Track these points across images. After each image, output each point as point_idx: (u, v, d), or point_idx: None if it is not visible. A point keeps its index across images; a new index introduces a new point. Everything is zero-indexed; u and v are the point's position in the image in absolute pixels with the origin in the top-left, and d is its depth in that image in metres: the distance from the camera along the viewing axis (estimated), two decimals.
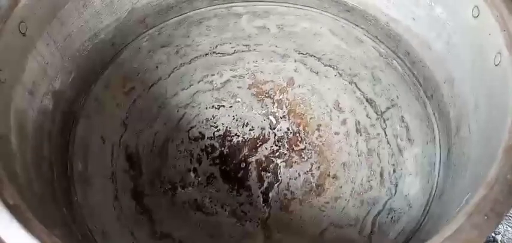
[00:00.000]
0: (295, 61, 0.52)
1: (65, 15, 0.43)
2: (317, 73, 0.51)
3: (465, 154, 0.34)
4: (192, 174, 0.47)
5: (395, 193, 0.43)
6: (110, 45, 0.50)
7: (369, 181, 0.45)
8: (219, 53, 0.53)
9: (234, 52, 0.54)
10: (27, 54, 0.39)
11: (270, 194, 0.46)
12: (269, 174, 0.47)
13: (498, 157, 0.25)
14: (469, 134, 0.35)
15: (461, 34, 0.37)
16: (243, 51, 0.54)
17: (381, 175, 0.45)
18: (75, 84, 0.47)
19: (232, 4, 0.54)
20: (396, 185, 0.43)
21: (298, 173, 0.46)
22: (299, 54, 0.53)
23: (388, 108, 0.47)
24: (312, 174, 0.46)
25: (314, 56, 0.52)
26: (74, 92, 0.46)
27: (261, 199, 0.46)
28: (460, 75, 0.38)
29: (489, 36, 0.33)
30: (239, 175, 0.47)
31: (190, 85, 0.52)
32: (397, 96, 0.47)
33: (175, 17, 0.54)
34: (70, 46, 0.45)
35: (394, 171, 0.44)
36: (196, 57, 0.53)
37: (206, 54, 0.53)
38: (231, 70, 0.53)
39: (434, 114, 0.43)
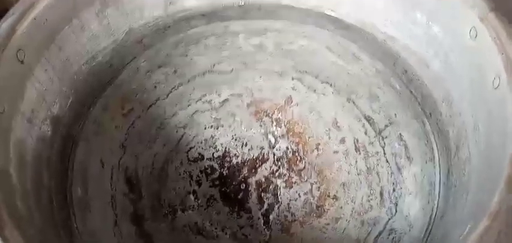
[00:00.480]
0: (292, 79, 0.52)
1: (62, 39, 0.43)
2: (315, 90, 0.51)
3: (465, 175, 0.35)
4: (191, 196, 0.47)
5: (395, 213, 0.43)
6: (108, 67, 0.50)
7: (369, 200, 0.45)
8: (217, 72, 0.53)
9: (231, 71, 0.54)
10: (26, 81, 0.39)
11: (271, 216, 0.46)
12: (269, 195, 0.47)
13: (500, 186, 0.25)
14: (469, 156, 0.35)
15: (458, 54, 0.38)
16: (240, 70, 0.54)
17: (381, 194, 0.45)
18: (74, 108, 0.46)
19: (230, 22, 0.54)
20: (396, 205, 0.43)
21: (299, 194, 0.46)
22: (297, 71, 0.53)
23: (387, 126, 0.47)
24: (312, 195, 0.46)
25: (311, 74, 0.52)
26: (72, 116, 0.46)
27: (262, 221, 0.46)
28: (459, 94, 0.38)
29: (487, 58, 0.33)
30: (239, 197, 0.47)
31: (188, 105, 0.52)
32: (395, 114, 0.47)
33: (172, 36, 0.53)
34: (68, 70, 0.45)
35: (393, 190, 0.44)
36: (195, 76, 0.53)
37: (204, 73, 0.53)
38: (229, 89, 0.53)
39: (433, 132, 0.43)
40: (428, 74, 0.44)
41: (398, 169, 0.45)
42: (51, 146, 0.43)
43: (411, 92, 0.46)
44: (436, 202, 0.39)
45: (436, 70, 0.42)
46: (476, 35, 0.35)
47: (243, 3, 0.53)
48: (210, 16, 0.53)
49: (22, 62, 0.38)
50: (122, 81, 0.51)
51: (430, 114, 0.44)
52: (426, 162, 0.42)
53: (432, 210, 0.39)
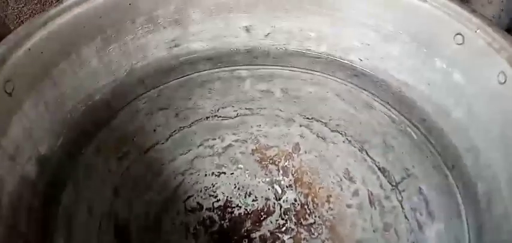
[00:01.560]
0: (300, 126, 0.49)
1: (58, 74, 0.41)
2: (324, 139, 0.48)
3: (504, 234, 0.30)
4: None
5: None
6: (106, 107, 0.47)
7: None
8: (221, 116, 0.51)
9: (236, 116, 0.51)
10: (12, 115, 0.35)
11: None
12: None
13: None
14: (506, 213, 0.31)
15: (485, 101, 0.35)
16: (245, 115, 0.51)
17: None
18: (64, 149, 0.43)
19: (236, 67, 0.52)
20: None
21: None
22: (304, 118, 0.50)
23: (404, 178, 0.43)
24: None
25: (320, 121, 0.49)
26: (62, 157, 0.42)
27: None
28: (486, 144, 0.35)
29: None
30: None
31: (189, 150, 0.49)
32: (413, 166, 0.43)
33: (176, 78, 0.51)
34: (61, 108, 0.42)
35: None
36: (197, 120, 0.50)
37: (207, 118, 0.50)
38: (233, 134, 0.50)
39: (457, 186, 0.39)
40: (449, 123, 0.41)
41: (420, 226, 0.40)
42: (34, 189, 0.39)
43: (430, 142, 0.42)
44: None
45: (458, 119, 0.39)
46: (505, 79, 0.32)
47: (250, 48, 0.52)
48: (216, 60, 0.51)
49: (10, 94, 0.35)
50: (120, 122, 0.48)
51: (453, 166, 0.40)
52: (451, 218, 0.38)
53: None
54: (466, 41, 0.36)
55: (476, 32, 0.35)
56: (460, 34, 0.36)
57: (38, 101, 0.39)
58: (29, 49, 0.37)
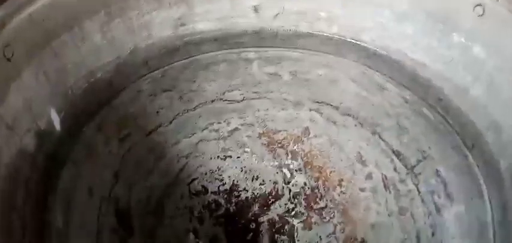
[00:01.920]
0: (309, 110, 0.48)
1: (60, 46, 0.39)
2: (335, 122, 0.46)
3: None
4: (191, 236, 0.40)
5: None
6: (108, 86, 0.45)
7: None
8: (226, 100, 0.49)
9: (243, 100, 0.49)
10: (10, 83, 0.34)
11: None
12: (284, 237, 0.40)
13: None
14: None
15: (508, 73, 0.33)
16: (252, 99, 0.49)
17: (418, 238, 0.38)
18: (65, 125, 0.41)
19: (243, 49, 0.50)
20: None
21: (320, 237, 0.39)
22: (314, 102, 0.48)
23: (420, 161, 0.41)
24: (336, 237, 0.39)
25: (330, 105, 0.48)
26: (61, 133, 0.40)
27: None
28: (509, 120, 0.33)
29: None
30: (248, 238, 0.40)
31: (193, 134, 0.47)
32: (429, 147, 0.41)
33: (181, 60, 0.49)
34: (63, 82, 0.40)
35: (432, 234, 0.37)
36: (202, 103, 0.48)
37: (212, 101, 0.49)
38: (239, 118, 0.48)
39: (477, 165, 0.37)
40: (467, 101, 0.39)
41: (438, 209, 0.38)
42: (33, 164, 0.37)
43: (448, 122, 0.40)
44: None
45: (477, 96, 0.38)
46: None
47: (258, 30, 0.50)
48: (222, 41, 0.50)
49: (9, 60, 0.33)
50: (121, 102, 0.46)
51: (473, 145, 0.38)
52: (472, 199, 0.36)
53: None
54: (486, 12, 0.35)
55: (497, 0, 0.33)
56: (480, 4, 0.35)
57: (38, 71, 0.37)
58: (30, 15, 0.35)
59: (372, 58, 0.46)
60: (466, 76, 0.38)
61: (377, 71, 0.46)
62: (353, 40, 0.47)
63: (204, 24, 0.49)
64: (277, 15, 0.49)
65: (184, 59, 0.50)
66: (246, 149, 0.46)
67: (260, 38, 0.50)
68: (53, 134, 0.39)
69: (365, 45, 0.46)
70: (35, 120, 0.37)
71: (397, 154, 0.43)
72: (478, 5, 0.35)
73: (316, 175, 0.43)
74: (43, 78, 0.37)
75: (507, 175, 0.33)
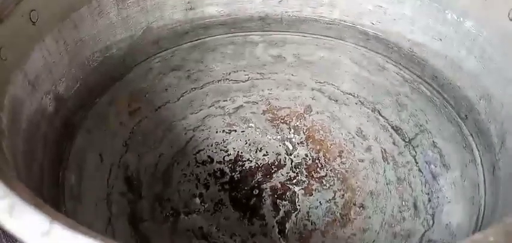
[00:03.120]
0: (312, 89, 0.50)
1: (78, 18, 0.42)
2: (336, 101, 0.48)
3: None
4: (197, 200, 0.42)
5: (433, 224, 0.37)
6: (121, 61, 0.48)
7: (400, 212, 0.39)
8: (232, 80, 0.51)
9: (248, 80, 0.51)
10: (34, 44, 0.36)
11: (287, 225, 0.40)
12: (286, 202, 0.41)
13: None
14: None
15: (497, 42, 0.35)
16: (257, 79, 0.51)
17: (415, 205, 0.39)
18: (80, 94, 0.43)
19: (249, 33, 0.53)
20: (433, 215, 0.38)
21: (320, 202, 0.41)
22: (316, 82, 0.50)
23: (417, 134, 0.43)
24: (335, 202, 0.41)
25: (332, 84, 0.50)
26: (77, 102, 0.43)
27: (277, 230, 0.40)
28: (500, 86, 0.35)
29: None
30: (251, 203, 0.42)
31: (200, 110, 0.49)
32: (427, 121, 0.43)
33: (190, 41, 0.52)
34: (80, 52, 0.43)
35: (429, 200, 0.39)
36: (209, 82, 0.51)
37: (219, 81, 0.51)
38: (244, 96, 0.50)
39: (471, 134, 0.39)
40: (461, 75, 0.41)
41: (434, 177, 0.40)
42: (51, 124, 0.39)
43: (443, 97, 0.42)
44: (482, 201, 0.34)
45: (470, 69, 0.40)
46: None
47: (264, 16, 0.53)
48: (229, 26, 0.52)
49: (34, 23, 0.36)
50: (133, 78, 0.49)
51: (466, 115, 0.40)
52: (466, 165, 0.38)
53: (479, 211, 0.34)
54: None
55: None
56: None
57: (58, 39, 0.40)
58: None
59: (372, 40, 0.49)
60: (460, 51, 0.41)
61: (377, 52, 0.49)
62: (353, 25, 0.50)
63: (213, 8, 0.51)
64: (281, 1, 0.52)
65: (193, 41, 0.52)
66: (251, 125, 0.48)
67: (265, 23, 0.53)
68: (69, 101, 0.42)
69: (365, 28, 0.49)
70: (55, 83, 0.40)
71: (396, 129, 0.45)
72: None
73: (317, 147, 0.45)
74: (63, 47, 0.40)
75: (496, 139, 0.35)
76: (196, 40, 0.52)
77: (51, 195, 0.36)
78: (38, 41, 0.37)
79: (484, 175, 0.35)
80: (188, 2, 0.51)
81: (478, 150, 0.37)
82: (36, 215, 0.19)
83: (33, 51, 0.36)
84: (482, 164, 0.36)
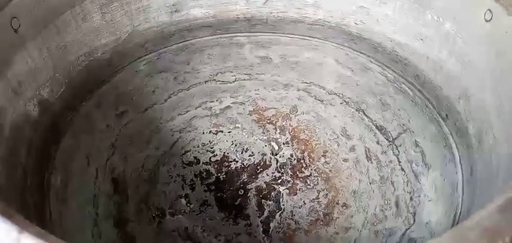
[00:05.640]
0: (298, 90, 0.50)
1: (62, 23, 0.42)
2: (322, 101, 0.49)
3: (493, 161, 0.31)
4: (183, 200, 0.42)
5: (413, 222, 0.38)
6: (106, 65, 0.48)
7: (382, 211, 0.40)
8: (219, 81, 0.51)
9: (235, 81, 0.52)
10: (16, 51, 0.37)
11: (271, 224, 0.40)
12: (270, 202, 0.42)
13: None
14: (495, 142, 0.31)
15: (475, 44, 0.36)
16: (244, 80, 0.52)
17: (396, 204, 0.40)
18: (65, 98, 0.44)
19: (235, 34, 0.53)
20: (414, 214, 0.38)
21: (303, 201, 0.42)
22: (302, 83, 0.51)
23: (400, 134, 0.44)
24: (318, 202, 0.41)
25: (318, 85, 0.50)
26: (62, 105, 0.43)
27: (261, 229, 0.40)
28: (477, 86, 0.36)
29: (506, 34, 0.31)
30: (236, 203, 0.42)
31: (187, 111, 0.49)
32: (409, 120, 0.44)
33: (176, 43, 0.52)
34: (64, 57, 0.43)
35: (410, 199, 0.40)
36: (196, 84, 0.51)
37: (206, 82, 0.51)
38: (231, 97, 0.50)
39: (451, 133, 0.39)
40: (441, 75, 0.41)
41: (416, 176, 0.40)
42: (35, 129, 0.39)
43: (425, 97, 0.43)
44: (460, 200, 0.35)
45: (450, 69, 0.40)
46: (491, 17, 0.33)
47: (249, 17, 0.53)
48: (215, 27, 0.53)
49: (16, 31, 0.36)
50: (119, 81, 0.49)
51: (447, 115, 0.41)
52: (446, 165, 0.38)
53: (456, 210, 0.34)
54: None
55: None
56: None
57: (42, 45, 0.40)
58: None
59: (356, 40, 0.49)
60: (440, 52, 0.41)
61: (361, 52, 0.49)
62: (338, 26, 0.50)
63: (197, 10, 0.52)
64: (266, 2, 0.52)
65: (179, 43, 0.53)
66: (237, 125, 0.48)
67: (251, 25, 0.53)
68: (54, 105, 0.42)
69: (349, 29, 0.49)
70: (39, 88, 0.40)
71: (380, 129, 0.45)
72: None
73: (303, 147, 0.46)
74: (46, 52, 0.40)
75: (474, 139, 0.35)
76: (182, 42, 0.53)
77: (35, 199, 0.36)
78: (20, 49, 0.37)
79: (462, 174, 0.36)
80: (173, 4, 0.51)
81: (458, 149, 0.38)
82: (5, 224, 0.19)
83: (15, 59, 0.36)
84: (461, 164, 0.37)
